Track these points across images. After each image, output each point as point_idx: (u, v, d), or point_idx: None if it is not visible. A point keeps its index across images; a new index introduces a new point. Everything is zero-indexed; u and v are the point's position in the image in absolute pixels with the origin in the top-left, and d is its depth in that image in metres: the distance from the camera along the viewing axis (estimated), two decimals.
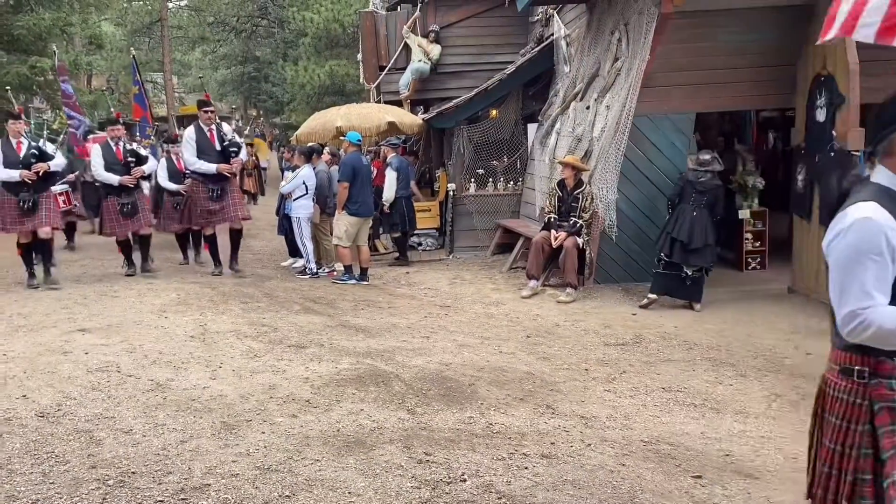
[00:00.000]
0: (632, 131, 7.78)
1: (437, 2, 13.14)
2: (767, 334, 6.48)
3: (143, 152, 9.38)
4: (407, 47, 13.17)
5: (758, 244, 9.15)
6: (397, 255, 10.68)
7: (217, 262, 8.95)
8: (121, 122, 9.04)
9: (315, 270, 9.14)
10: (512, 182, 11.29)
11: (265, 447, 3.94)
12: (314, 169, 9.32)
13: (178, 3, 30.67)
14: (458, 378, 5.18)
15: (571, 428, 4.36)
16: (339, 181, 8.90)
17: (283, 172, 10.50)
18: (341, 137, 10.19)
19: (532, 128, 11.07)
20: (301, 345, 5.88)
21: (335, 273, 9.19)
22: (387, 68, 13.40)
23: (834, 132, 7.09)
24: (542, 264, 8.22)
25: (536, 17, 12.40)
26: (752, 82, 7.93)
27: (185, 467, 3.68)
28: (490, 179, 11.30)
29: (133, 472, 3.61)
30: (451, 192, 11.15)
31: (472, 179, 11.28)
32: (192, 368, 5.22)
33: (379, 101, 13.45)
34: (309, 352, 5.72)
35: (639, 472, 3.79)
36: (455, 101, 11.38)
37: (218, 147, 8.39)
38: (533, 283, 8.14)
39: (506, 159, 11.39)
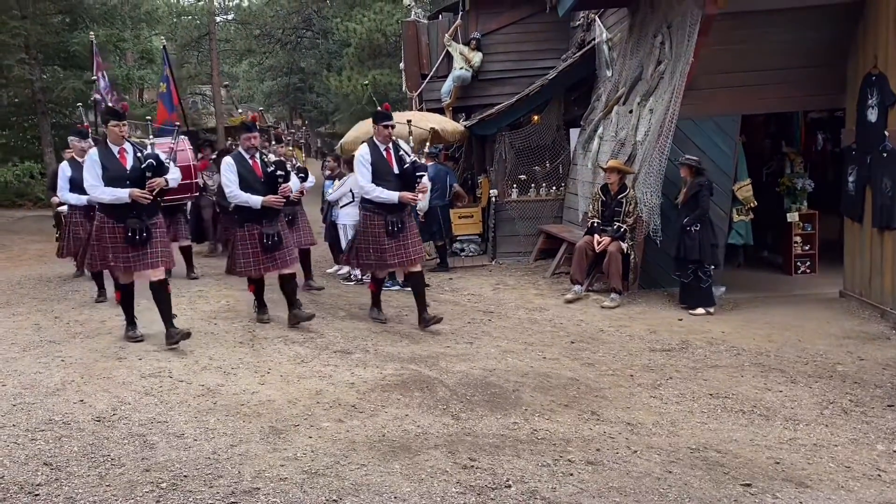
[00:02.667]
0: (676, 134, 7.70)
1: (478, 9, 13.20)
2: (818, 339, 6.34)
3: (289, 165, 7.98)
4: (448, 55, 13.25)
5: (807, 247, 8.96)
6: (439, 261, 10.73)
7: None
8: (257, 127, 7.01)
9: (360, 277, 9.24)
10: (554, 187, 11.25)
11: (312, 452, 4.01)
12: None
13: (225, 17, 31.35)
14: (501, 384, 5.19)
15: (617, 434, 4.33)
16: None
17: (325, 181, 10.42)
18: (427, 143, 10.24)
19: (574, 133, 11.02)
20: (347, 350, 5.95)
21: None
22: (429, 76, 13.50)
23: (886, 132, 6.91)
24: (585, 269, 8.17)
25: (578, 22, 12.35)
26: (798, 83, 7.78)
27: (235, 471, 3.77)
28: (532, 185, 11.28)
29: (185, 476, 3.71)
30: (493, 198, 11.16)
31: (515, 185, 11.28)
32: (242, 374, 5.33)
33: (421, 109, 13.54)
34: (354, 357, 5.79)
35: (686, 479, 3.75)
36: (497, 107, 11.40)
37: (396, 170, 6.64)
38: (577, 288, 8.10)
39: (548, 165, 11.37)
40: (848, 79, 7.59)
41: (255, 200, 6.40)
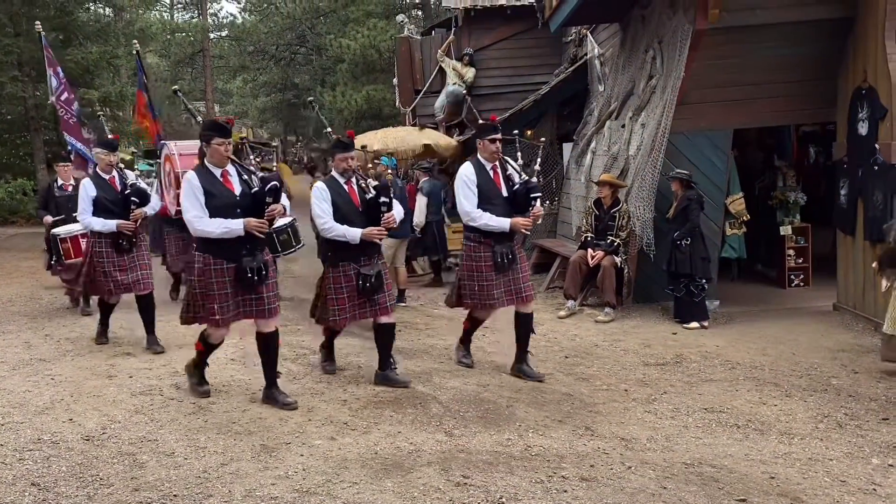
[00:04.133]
0: (668, 149, 7.72)
1: (470, 25, 13.28)
2: (812, 353, 6.33)
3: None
4: (442, 71, 13.31)
5: (801, 260, 8.97)
6: (433, 276, 10.70)
7: None
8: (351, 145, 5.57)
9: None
10: (548, 202, 11.26)
11: (304, 470, 3.97)
12: None
13: (219, 33, 31.48)
14: (495, 399, 5.16)
15: (611, 450, 4.30)
16: None
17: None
18: (375, 161, 10.28)
19: (567, 147, 11.05)
20: (339, 367, 5.91)
21: None
22: (422, 92, 13.55)
23: (877, 145, 6.94)
24: (579, 284, 8.16)
25: (570, 38, 12.43)
26: (789, 97, 7.82)
27: (226, 490, 3.73)
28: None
29: (175, 495, 3.66)
30: None
31: None
32: (233, 391, 5.30)
33: (414, 125, 13.58)
34: (347, 374, 5.75)
35: (681, 495, 3.72)
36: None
37: (505, 192, 5.60)
38: (570, 303, 8.08)
39: (541, 179, 11.38)
40: (838, 93, 7.64)
41: (354, 234, 5.20)
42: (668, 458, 4.21)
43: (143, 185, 6.63)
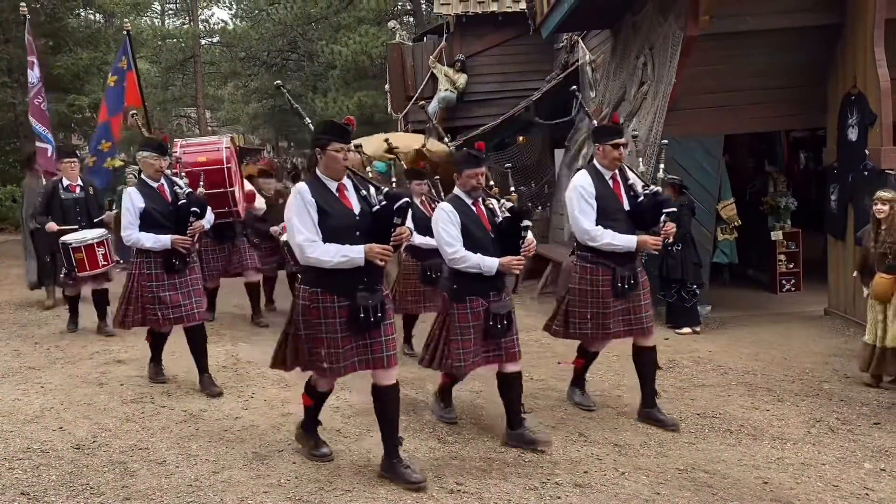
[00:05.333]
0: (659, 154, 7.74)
1: (462, 32, 13.31)
2: (804, 357, 6.35)
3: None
4: (434, 77, 13.32)
5: (792, 266, 9.00)
6: None
7: None
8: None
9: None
10: (540, 207, 11.27)
11: (297, 478, 3.94)
12: None
13: (210, 40, 31.40)
14: (488, 406, 5.14)
15: (605, 456, 4.30)
16: None
17: None
18: (367, 168, 10.27)
19: (559, 153, 11.07)
20: None
21: None
22: (414, 98, 13.55)
23: (867, 151, 6.98)
24: None
25: (561, 44, 12.47)
26: (780, 102, 7.86)
27: (217, 498, 3.70)
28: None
29: None
30: None
31: None
32: (225, 399, 5.27)
33: (406, 131, 13.58)
34: (339, 381, 5.71)
35: (674, 500, 3.72)
36: (482, 128, 11.45)
37: (627, 205, 4.83)
38: None
39: (533, 185, 11.41)
40: (828, 99, 7.69)
41: (490, 265, 4.29)
42: (662, 463, 4.21)
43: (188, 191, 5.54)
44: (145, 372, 5.80)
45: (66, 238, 6.94)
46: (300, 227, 3.76)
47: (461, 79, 13.00)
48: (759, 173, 9.67)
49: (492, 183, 5.73)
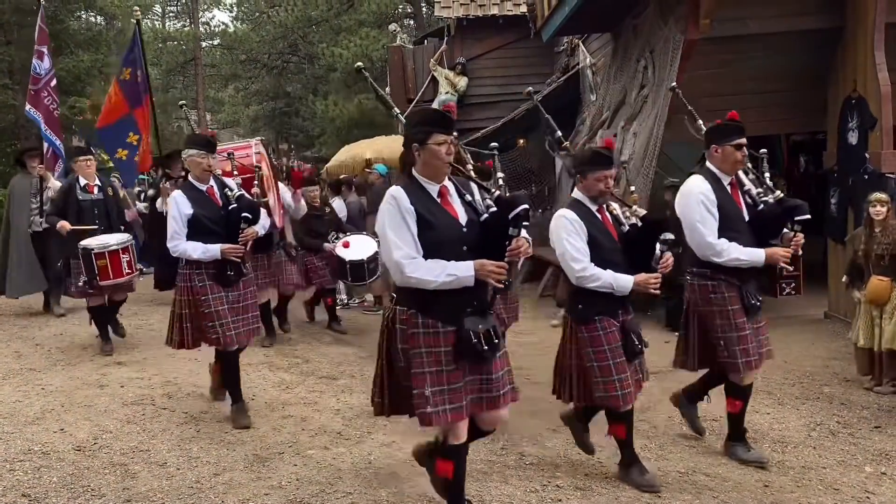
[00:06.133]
0: (660, 158, 7.75)
1: (463, 35, 13.34)
2: (804, 361, 6.35)
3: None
4: (434, 80, 13.35)
5: (792, 269, 8.97)
6: None
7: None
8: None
9: (346, 301, 9.18)
10: (540, 210, 11.28)
11: (297, 480, 3.95)
12: (345, 201, 9.40)
13: (211, 42, 31.45)
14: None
15: (606, 459, 4.30)
16: (368, 213, 8.98)
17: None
18: (367, 170, 10.29)
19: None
20: (332, 376, 5.90)
21: (366, 304, 9.22)
22: (414, 101, 13.58)
23: (867, 155, 7.00)
24: None
25: (562, 47, 12.50)
26: (780, 106, 7.88)
27: (219, 500, 3.70)
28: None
29: None
30: None
31: None
32: (226, 401, 5.25)
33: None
34: (340, 383, 5.73)
35: (675, 503, 3.72)
36: (482, 131, 11.47)
37: (746, 214, 4.34)
38: (563, 311, 8.07)
39: (534, 188, 11.42)
40: (828, 102, 7.70)
41: (625, 284, 3.74)
42: (663, 466, 4.21)
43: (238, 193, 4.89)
44: (146, 374, 5.79)
45: (88, 242, 6.22)
46: (397, 242, 3.10)
47: (462, 82, 13.03)
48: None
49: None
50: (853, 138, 7.25)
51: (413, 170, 3.24)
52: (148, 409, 5.08)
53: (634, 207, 3.92)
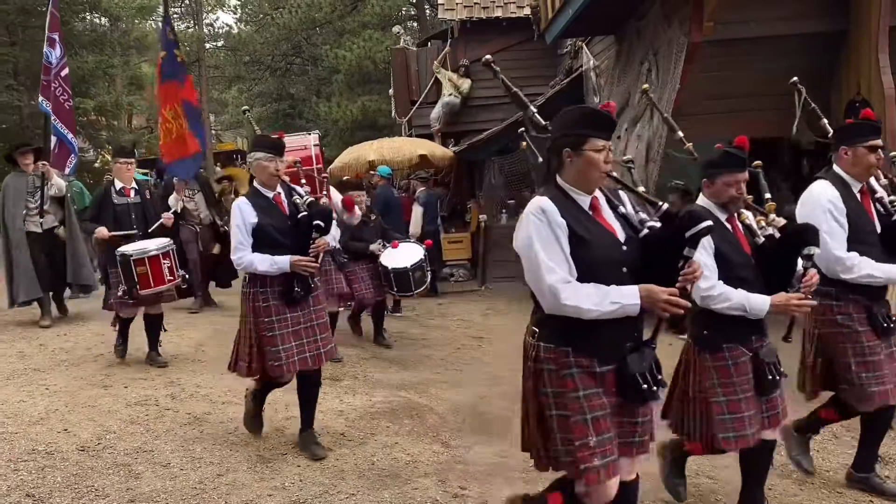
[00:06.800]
0: (664, 160, 7.76)
1: (466, 37, 13.37)
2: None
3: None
4: (437, 82, 13.38)
5: None
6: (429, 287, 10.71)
7: None
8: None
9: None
10: None
11: (301, 481, 3.95)
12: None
13: (214, 43, 31.52)
14: (493, 410, 5.15)
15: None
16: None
17: None
18: (371, 172, 10.32)
19: None
20: (335, 377, 5.90)
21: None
22: (418, 103, 13.61)
23: None
24: None
25: (565, 50, 12.51)
26: (784, 109, 7.86)
27: (222, 501, 3.71)
28: (521, 210, 11.33)
29: None
30: (482, 224, 11.20)
31: (504, 210, 11.32)
32: (229, 402, 5.27)
33: (410, 135, 13.61)
34: (343, 384, 5.74)
35: None
36: (486, 133, 11.48)
37: (878, 225, 3.85)
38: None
39: (537, 190, 11.44)
40: (832, 105, 7.69)
41: (761, 305, 3.30)
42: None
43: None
44: (150, 374, 5.81)
45: (126, 249, 5.86)
46: (549, 264, 2.63)
47: (465, 84, 13.05)
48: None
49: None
50: None
51: (558, 177, 2.81)
52: (151, 409, 5.09)
53: (772, 216, 3.37)
